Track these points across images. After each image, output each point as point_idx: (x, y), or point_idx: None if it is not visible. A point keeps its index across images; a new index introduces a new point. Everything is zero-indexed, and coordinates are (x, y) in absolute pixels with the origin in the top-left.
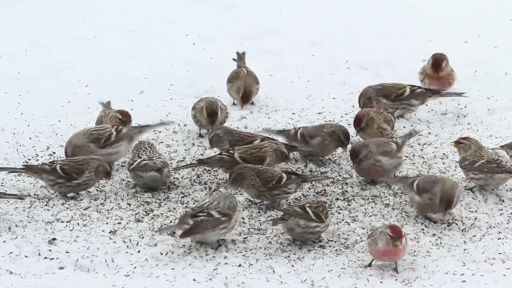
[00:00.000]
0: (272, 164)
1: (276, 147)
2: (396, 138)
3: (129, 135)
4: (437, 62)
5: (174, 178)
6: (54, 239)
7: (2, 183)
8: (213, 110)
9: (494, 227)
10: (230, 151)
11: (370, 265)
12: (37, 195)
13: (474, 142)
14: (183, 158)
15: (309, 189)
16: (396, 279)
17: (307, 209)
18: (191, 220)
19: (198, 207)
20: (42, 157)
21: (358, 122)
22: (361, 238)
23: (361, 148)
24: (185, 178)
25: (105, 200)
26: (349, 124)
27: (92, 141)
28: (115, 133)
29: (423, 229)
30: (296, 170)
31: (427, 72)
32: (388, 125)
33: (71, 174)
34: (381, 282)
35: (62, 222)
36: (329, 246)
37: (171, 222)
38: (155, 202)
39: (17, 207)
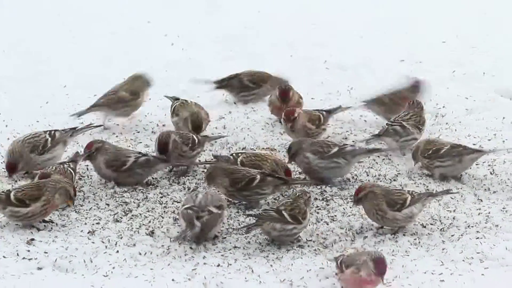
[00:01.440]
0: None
1: (278, 160)
2: (340, 143)
3: (63, 139)
4: (284, 93)
5: (152, 178)
6: (32, 239)
7: None
8: (198, 122)
9: (472, 226)
10: (238, 153)
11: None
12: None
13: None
14: None
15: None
16: None
17: (283, 212)
18: (198, 221)
19: (197, 206)
20: None
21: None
22: (339, 238)
23: (294, 144)
24: (163, 178)
25: (83, 201)
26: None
27: (31, 150)
28: (50, 138)
29: (402, 229)
30: None
31: (274, 105)
32: (312, 124)
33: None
34: None
35: (41, 222)
36: (308, 246)
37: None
38: (134, 202)
39: None
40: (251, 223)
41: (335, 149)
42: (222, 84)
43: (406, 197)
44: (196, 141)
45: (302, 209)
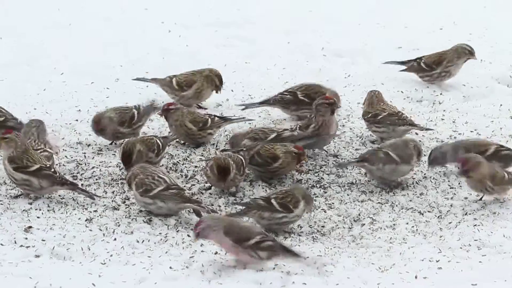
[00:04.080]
0: (286, 166)
1: (286, 149)
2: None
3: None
4: None
5: None
6: (30, 227)
7: None
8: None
9: (469, 214)
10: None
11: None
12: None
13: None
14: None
15: (288, 178)
16: (372, 265)
17: (272, 200)
18: None
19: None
20: None
21: None
22: (337, 225)
23: (232, 137)
24: (161, 165)
25: None
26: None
27: None
28: None
29: (399, 216)
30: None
31: None
32: (194, 125)
33: None
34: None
35: (39, 210)
36: (306, 233)
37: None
38: (131, 190)
39: None
40: (237, 211)
41: (273, 135)
42: (407, 65)
43: None
44: (161, 146)
45: (295, 198)
